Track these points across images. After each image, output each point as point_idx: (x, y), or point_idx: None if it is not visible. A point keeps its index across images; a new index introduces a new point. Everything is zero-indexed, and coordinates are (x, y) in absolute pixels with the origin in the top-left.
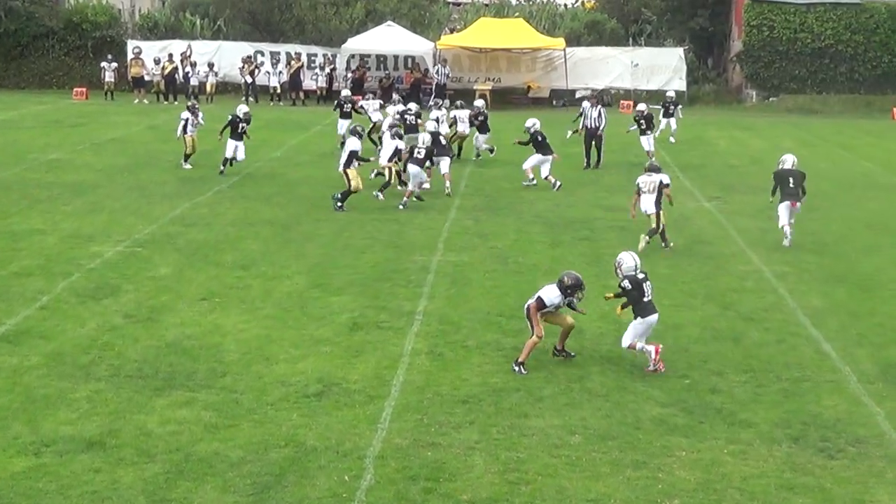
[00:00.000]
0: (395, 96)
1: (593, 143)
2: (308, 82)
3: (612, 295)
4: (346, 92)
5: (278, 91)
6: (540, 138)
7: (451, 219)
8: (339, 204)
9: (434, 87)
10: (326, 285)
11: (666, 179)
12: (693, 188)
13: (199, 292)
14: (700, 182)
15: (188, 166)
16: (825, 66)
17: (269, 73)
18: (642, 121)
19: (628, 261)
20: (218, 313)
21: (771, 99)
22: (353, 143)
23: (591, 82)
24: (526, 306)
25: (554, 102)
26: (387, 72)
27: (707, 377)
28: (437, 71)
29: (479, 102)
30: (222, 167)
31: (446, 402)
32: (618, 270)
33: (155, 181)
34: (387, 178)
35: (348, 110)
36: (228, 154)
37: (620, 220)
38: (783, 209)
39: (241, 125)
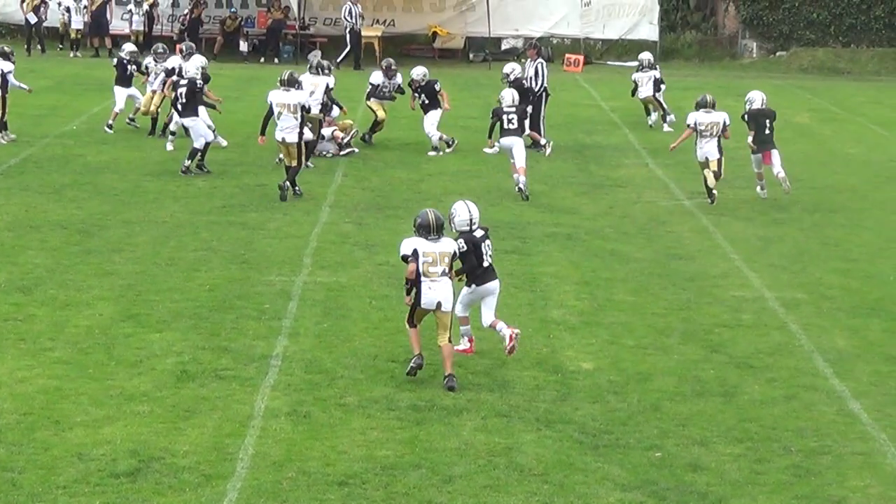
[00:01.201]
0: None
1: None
2: (118, 23)
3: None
4: (130, 47)
5: (77, 36)
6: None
7: (321, 222)
8: (296, 189)
9: (348, 34)
10: (143, 317)
11: (728, 118)
12: (667, 179)
13: None
14: (677, 171)
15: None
16: (854, 8)
17: (65, 9)
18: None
19: (462, 212)
20: None
21: (778, 54)
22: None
23: (524, 28)
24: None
25: (471, 56)
26: (232, 9)
27: (686, 448)
28: (349, 11)
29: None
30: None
31: (316, 483)
32: (451, 224)
33: None
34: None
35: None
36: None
37: (564, 224)
38: (758, 161)
39: (129, 67)
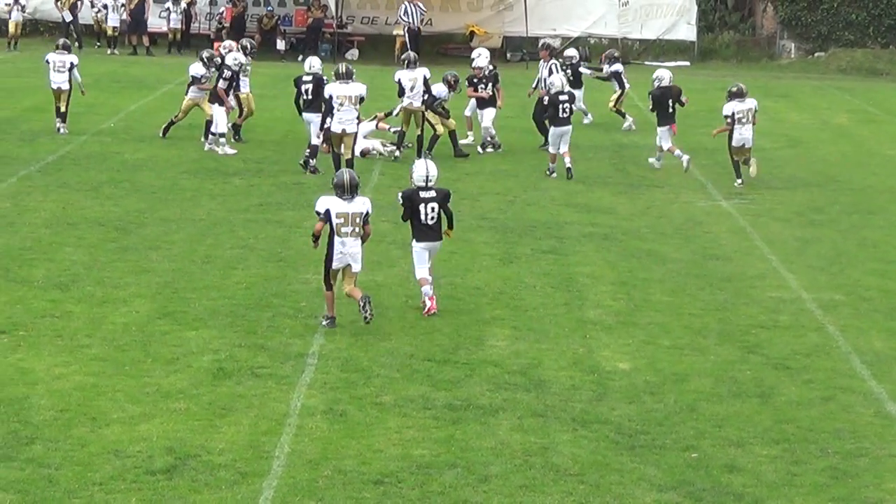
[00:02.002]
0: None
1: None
2: (155, 21)
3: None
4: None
5: (114, 33)
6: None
7: None
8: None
9: (406, 33)
10: (180, 314)
11: (757, 105)
12: (705, 180)
13: None
14: (714, 172)
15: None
16: (894, 9)
17: (99, 7)
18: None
19: (420, 169)
20: (23, 353)
21: (817, 54)
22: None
23: (562, 27)
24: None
25: (508, 55)
26: (269, 8)
27: (723, 449)
28: (405, 11)
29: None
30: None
31: (352, 482)
32: (410, 178)
33: None
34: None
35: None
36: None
37: (601, 224)
38: (666, 133)
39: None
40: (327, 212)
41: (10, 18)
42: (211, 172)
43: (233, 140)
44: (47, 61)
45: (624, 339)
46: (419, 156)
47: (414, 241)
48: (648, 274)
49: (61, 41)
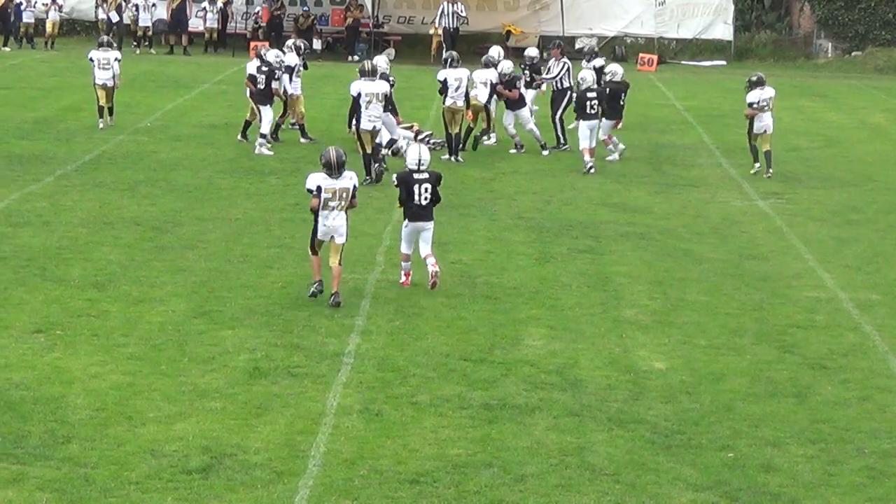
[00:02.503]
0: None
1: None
2: (192, 20)
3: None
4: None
5: (148, 33)
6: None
7: (394, 220)
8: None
9: (443, 33)
10: (216, 313)
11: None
12: (741, 180)
13: (32, 322)
14: (750, 172)
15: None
16: None
17: (133, 7)
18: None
19: (413, 154)
20: (60, 352)
21: (854, 54)
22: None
23: (598, 27)
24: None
25: (545, 55)
26: (304, 7)
27: (759, 449)
28: (443, 10)
29: (531, 51)
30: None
31: (387, 481)
32: (405, 161)
33: None
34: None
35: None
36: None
37: (638, 224)
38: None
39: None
40: (318, 188)
41: (47, 18)
42: (247, 171)
43: (270, 140)
44: (91, 59)
45: (660, 339)
46: (454, 155)
47: (406, 220)
48: (685, 273)
49: (104, 38)
